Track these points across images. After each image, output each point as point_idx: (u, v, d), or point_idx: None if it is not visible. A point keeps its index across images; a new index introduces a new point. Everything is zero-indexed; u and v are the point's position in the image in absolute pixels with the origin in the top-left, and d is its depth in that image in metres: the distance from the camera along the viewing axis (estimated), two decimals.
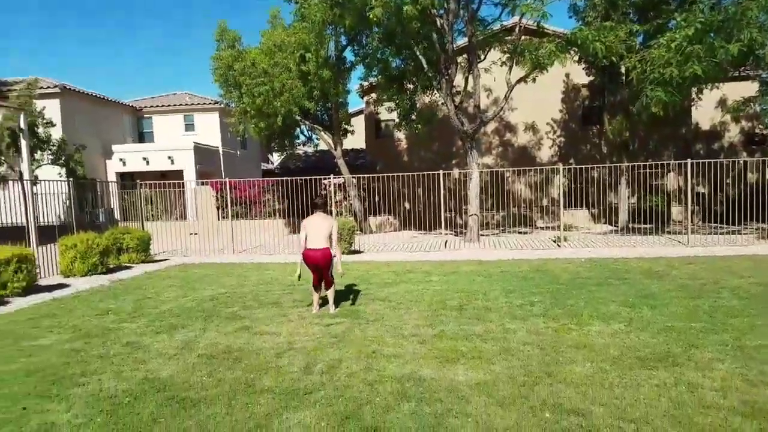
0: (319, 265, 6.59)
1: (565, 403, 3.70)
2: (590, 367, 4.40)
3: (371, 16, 12.50)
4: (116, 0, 79.95)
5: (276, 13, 18.41)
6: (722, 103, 20.19)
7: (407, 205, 19.28)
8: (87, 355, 5.18)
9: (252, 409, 3.74)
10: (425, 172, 15.54)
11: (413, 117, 18.73)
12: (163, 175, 22.44)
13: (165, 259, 12.99)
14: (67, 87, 21.97)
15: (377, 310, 6.73)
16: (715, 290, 7.33)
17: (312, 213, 6.90)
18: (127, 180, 22.39)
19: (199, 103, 27.33)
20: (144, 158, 23.80)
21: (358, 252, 13.33)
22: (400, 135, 21.97)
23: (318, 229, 6.60)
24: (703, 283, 7.84)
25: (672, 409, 3.54)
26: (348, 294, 7.83)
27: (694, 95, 17.76)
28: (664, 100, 12.39)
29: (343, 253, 12.73)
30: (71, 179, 13.73)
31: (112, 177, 23.42)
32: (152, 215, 17.80)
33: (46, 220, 11.87)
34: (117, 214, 19.17)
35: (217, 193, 20.20)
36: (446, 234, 15.28)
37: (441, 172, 14.18)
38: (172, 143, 24.69)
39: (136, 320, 6.58)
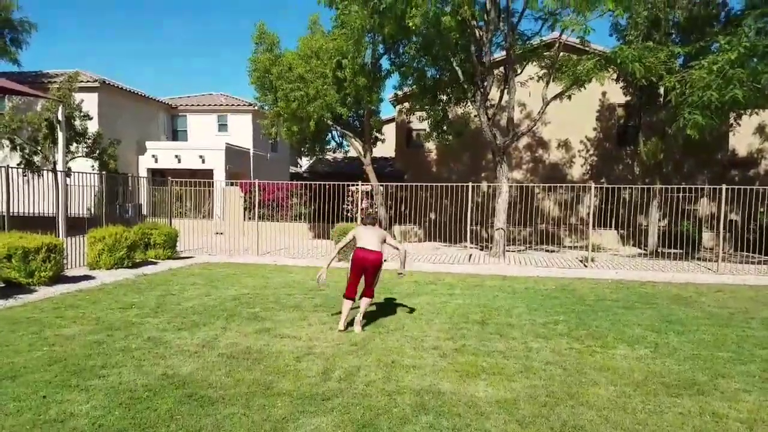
0: (368, 269, 6.20)
1: (587, 426, 3.62)
2: (613, 391, 4.30)
3: (410, 24, 12.52)
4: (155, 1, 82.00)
5: (316, 18, 18.61)
6: (761, 129, 19.63)
7: (432, 216, 19.19)
8: (109, 347, 5.25)
9: (269, 412, 3.74)
10: (454, 184, 15.45)
11: (445, 128, 18.70)
12: (194, 173, 22.83)
13: (190, 257, 13.17)
14: (107, 82, 22.57)
15: (398, 320, 6.68)
16: (744, 320, 7.12)
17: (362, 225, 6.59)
18: (158, 177, 22.86)
19: (233, 105, 27.81)
20: (176, 156, 24.25)
21: None
22: (431, 145, 21.94)
23: (371, 236, 6.29)
24: (732, 312, 7.61)
25: None
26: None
27: (732, 120, 17.32)
28: (701, 124, 12.10)
29: None
30: (104, 172, 14.05)
31: (143, 173, 23.93)
32: (180, 212, 18.08)
33: (76, 212, 12.14)
34: (145, 210, 19.56)
35: (245, 194, 20.44)
36: (471, 247, 15.13)
37: (470, 184, 14.09)
38: (205, 143, 25.14)
39: (159, 316, 6.66)
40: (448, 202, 17.84)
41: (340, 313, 6.34)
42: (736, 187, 13.73)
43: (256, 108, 24.65)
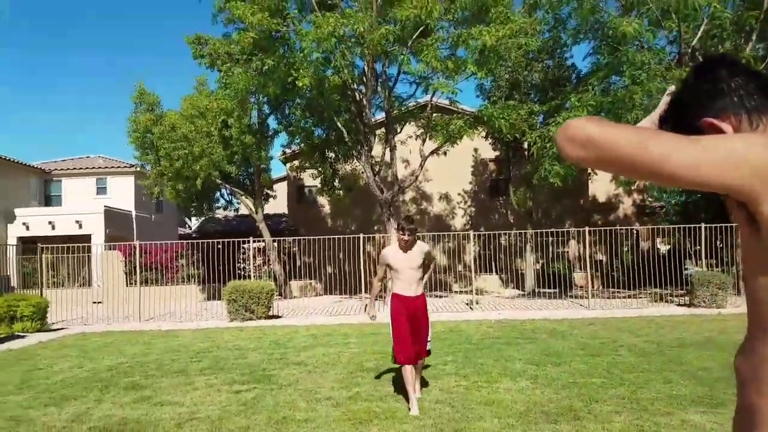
0: (421, 322, 5.06)
1: None
2: (497, 423, 4.50)
3: (300, 84, 12.85)
4: (26, 57, 76.47)
5: (203, 80, 18.65)
6: (615, 177, 22.23)
7: (330, 269, 19.21)
8: None
9: None
10: (347, 236, 15.70)
11: (336, 183, 19.13)
12: (70, 239, 21.13)
13: (63, 328, 12.05)
14: None
15: (292, 375, 6.56)
16: (614, 348, 7.76)
17: (402, 237, 4.98)
18: (30, 245, 20.88)
19: (112, 167, 26.44)
20: (50, 222, 22.43)
21: (277, 317, 13.03)
22: (323, 200, 22.26)
23: (410, 263, 5.01)
24: (603, 342, 8.30)
25: None
26: (260, 361, 7.59)
27: (589, 170, 19.48)
28: (561, 173, 13.55)
29: (260, 318, 12.39)
30: None
31: (13, 241, 21.74)
32: (54, 282, 16.58)
33: None
34: (14, 281, 17.67)
35: (126, 258, 19.22)
36: (367, 298, 15.33)
37: (361, 236, 14.41)
38: (82, 207, 23.54)
39: (23, 392, 5.99)
40: (343, 255, 18.02)
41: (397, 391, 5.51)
42: (598, 228, 15.31)
43: (137, 169, 23.63)
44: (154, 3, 70.98)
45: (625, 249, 18.39)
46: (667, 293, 14.63)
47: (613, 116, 13.34)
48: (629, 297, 15.42)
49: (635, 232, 19.10)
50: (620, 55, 13.67)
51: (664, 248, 17.71)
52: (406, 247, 4.97)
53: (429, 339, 5.17)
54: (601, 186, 22.17)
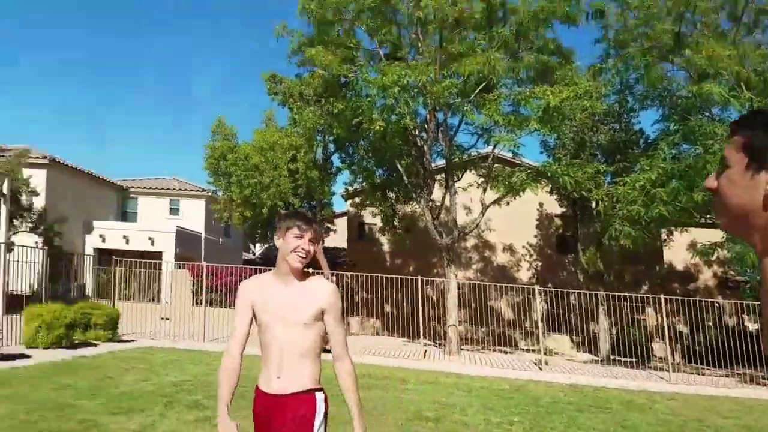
0: None
1: None
2: None
3: (375, 128, 13.05)
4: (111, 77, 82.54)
5: (271, 115, 19.78)
6: (693, 246, 21.01)
7: (388, 309, 19.00)
8: (39, 428, 4.78)
9: None
10: (406, 277, 15.53)
11: (396, 223, 19.22)
12: (142, 255, 22.11)
13: (132, 340, 12.43)
14: (57, 159, 22.23)
15: (347, 414, 6.36)
16: (699, 428, 7.14)
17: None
18: (105, 257, 22.04)
19: (185, 189, 27.86)
20: (124, 237, 23.59)
21: (327, 351, 12.89)
22: (383, 239, 22.29)
23: (292, 310, 2.34)
24: (686, 420, 7.64)
25: None
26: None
27: (665, 236, 18.48)
28: (633, 236, 12.91)
29: None
30: (46, 248, 13.42)
31: (90, 252, 23.02)
32: (125, 295, 17.32)
33: (17, 289, 11.49)
34: (89, 290, 18.57)
35: (194, 278, 19.83)
36: (426, 343, 14.99)
37: (419, 278, 14.20)
38: (155, 225, 24.70)
39: (94, 398, 6.15)
40: (402, 295, 17.84)
41: None
42: (676, 297, 14.31)
43: (209, 194, 24.75)
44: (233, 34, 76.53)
45: (709, 323, 17.04)
46: (760, 375, 13.33)
47: (687, 183, 12.67)
48: (716, 376, 14.11)
49: (718, 305, 17.81)
50: (691, 124, 13.19)
51: (752, 326, 16.26)
52: (298, 272, 2.43)
53: None
54: (677, 254, 20.93)
